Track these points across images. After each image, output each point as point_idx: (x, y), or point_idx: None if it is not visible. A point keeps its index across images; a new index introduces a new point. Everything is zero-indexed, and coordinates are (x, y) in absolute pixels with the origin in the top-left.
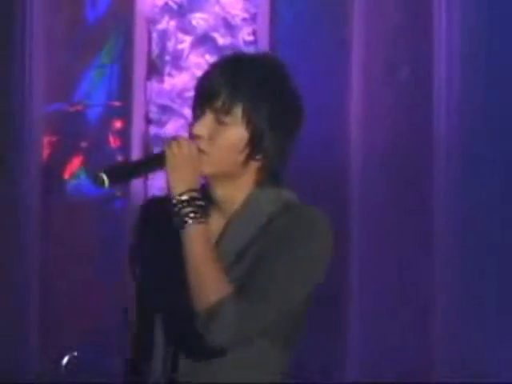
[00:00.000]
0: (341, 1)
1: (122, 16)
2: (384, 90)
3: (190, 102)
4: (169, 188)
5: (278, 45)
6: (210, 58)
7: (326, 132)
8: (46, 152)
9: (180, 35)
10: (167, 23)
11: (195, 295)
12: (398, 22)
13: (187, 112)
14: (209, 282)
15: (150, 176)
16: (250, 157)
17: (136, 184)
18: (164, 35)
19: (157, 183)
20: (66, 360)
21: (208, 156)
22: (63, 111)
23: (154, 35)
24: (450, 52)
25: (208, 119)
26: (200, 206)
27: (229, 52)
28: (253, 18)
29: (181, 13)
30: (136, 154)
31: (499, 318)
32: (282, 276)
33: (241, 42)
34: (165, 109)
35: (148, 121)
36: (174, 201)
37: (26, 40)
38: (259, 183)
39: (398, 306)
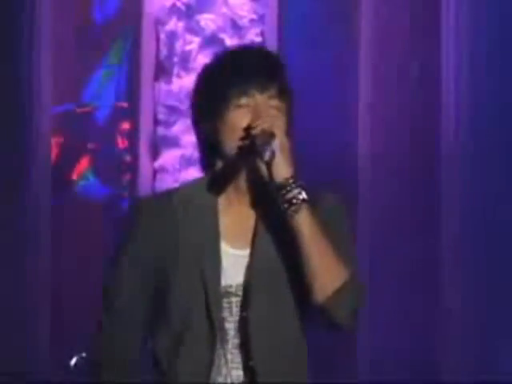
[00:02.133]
0: (348, 1)
1: (130, 17)
2: (393, 89)
3: None
4: (275, 168)
5: (285, 45)
6: None
7: (334, 130)
8: (54, 153)
9: (188, 36)
10: (175, 24)
11: (319, 281)
12: (406, 21)
13: None
14: (334, 267)
15: (158, 177)
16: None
17: (142, 185)
18: (172, 36)
19: (164, 184)
20: (74, 361)
21: None
22: (71, 112)
23: (162, 36)
24: (458, 50)
25: (264, 105)
26: (304, 187)
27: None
28: (261, 19)
29: (189, 14)
30: (144, 155)
31: (503, 318)
32: (355, 257)
33: (249, 43)
34: (173, 110)
35: (156, 122)
36: (283, 182)
37: (35, 41)
38: None
39: (405, 307)
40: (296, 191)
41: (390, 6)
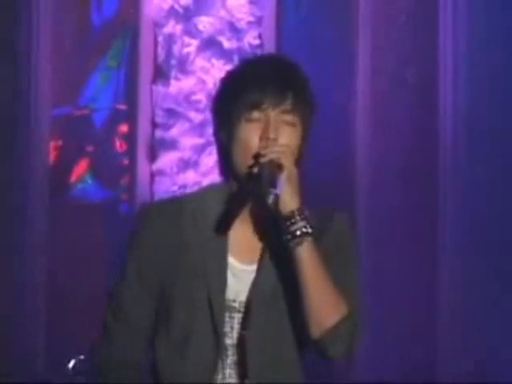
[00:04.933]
0: (346, 3)
1: (128, 20)
2: (390, 92)
3: (196, 106)
4: (282, 201)
5: (283, 48)
6: (216, 62)
7: (332, 132)
8: (52, 155)
9: (186, 39)
10: (173, 27)
11: (315, 316)
12: (404, 25)
13: (193, 115)
14: (332, 303)
15: (156, 179)
16: (299, 156)
17: (140, 188)
18: (170, 39)
19: (162, 187)
20: (72, 363)
21: None
22: (69, 115)
23: (160, 39)
24: (455, 53)
25: (276, 121)
26: (309, 220)
27: (235, 56)
28: (258, 22)
29: (187, 17)
30: (142, 158)
31: (502, 319)
32: (357, 288)
33: (247, 46)
34: (171, 112)
35: (154, 124)
36: (289, 214)
37: (33, 44)
38: None
39: (402, 308)
40: (301, 224)
41: (387, 8)
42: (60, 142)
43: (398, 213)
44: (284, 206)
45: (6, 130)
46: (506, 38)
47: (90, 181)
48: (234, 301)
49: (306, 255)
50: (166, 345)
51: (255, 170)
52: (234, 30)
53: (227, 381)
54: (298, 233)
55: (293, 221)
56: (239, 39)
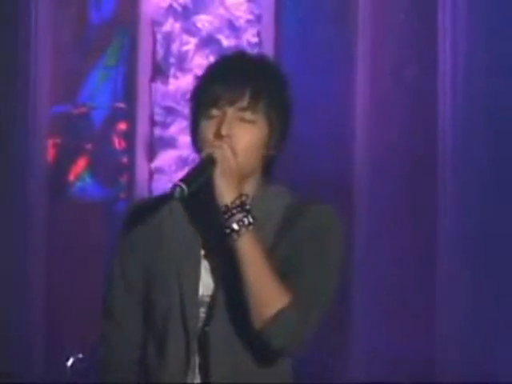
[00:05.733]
0: (345, 2)
1: (127, 18)
2: (389, 89)
3: None
4: (216, 194)
5: (282, 46)
6: None
7: (331, 132)
8: (50, 154)
9: (185, 37)
10: (172, 25)
11: (255, 307)
12: (403, 23)
13: None
14: (270, 293)
15: (154, 177)
16: (267, 153)
17: (139, 186)
18: (169, 37)
19: (160, 185)
20: (71, 362)
21: (236, 156)
22: (68, 113)
23: (159, 37)
24: (454, 52)
25: (231, 118)
26: (249, 211)
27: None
28: (257, 20)
29: (185, 15)
30: (141, 156)
31: (500, 318)
32: (324, 279)
33: (245, 44)
34: (169, 110)
35: (153, 122)
36: (224, 208)
37: (32, 42)
38: (265, 180)
39: (401, 308)
40: (238, 216)
41: (386, 7)
42: (59, 141)
43: (397, 212)
44: (219, 199)
45: (4, 128)
46: (505, 37)
47: (88, 179)
48: (207, 296)
49: (242, 247)
50: (150, 343)
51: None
52: (233, 28)
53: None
54: (235, 226)
55: (229, 214)
56: (238, 37)
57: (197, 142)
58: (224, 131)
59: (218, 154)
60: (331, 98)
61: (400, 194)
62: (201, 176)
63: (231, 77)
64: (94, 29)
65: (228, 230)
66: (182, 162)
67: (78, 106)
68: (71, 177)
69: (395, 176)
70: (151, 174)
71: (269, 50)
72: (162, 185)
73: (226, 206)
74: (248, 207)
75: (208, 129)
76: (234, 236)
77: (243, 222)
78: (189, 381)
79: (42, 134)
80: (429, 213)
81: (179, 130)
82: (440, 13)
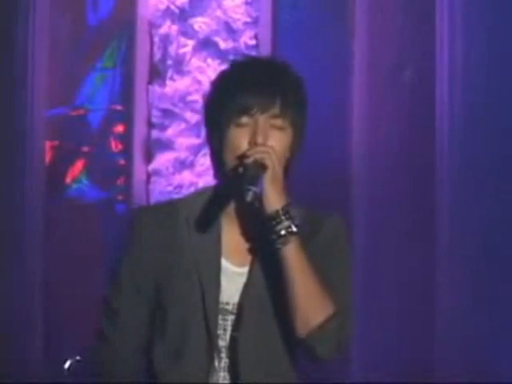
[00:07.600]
0: (343, 4)
1: (124, 20)
2: (387, 91)
3: (192, 106)
4: (266, 200)
5: (280, 48)
6: (212, 62)
7: (329, 134)
8: (48, 156)
9: (182, 39)
10: (169, 27)
11: (303, 314)
12: (401, 24)
13: (189, 116)
14: (319, 301)
15: (151, 180)
16: (289, 157)
17: (136, 188)
18: (166, 39)
19: (158, 187)
20: (68, 364)
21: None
22: (65, 115)
23: (156, 39)
24: (452, 53)
25: (264, 126)
26: (294, 218)
27: (232, 56)
28: (255, 22)
29: (183, 17)
30: (138, 158)
31: (500, 317)
32: (349, 288)
33: (243, 46)
34: (167, 113)
35: (150, 125)
36: (273, 214)
37: (29, 44)
38: (286, 184)
39: (399, 306)
40: (286, 224)
41: (384, 9)
42: (56, 143)
43: (396, 212)
44: (268, 205)
45: (1, 129)
46: (503, 37)
47: (85, 181)
48: (228, 303)
49: (291, 254)
50: (162, 346)
51: (240, 170)
52: (230, 31)
53: (221, 383)
54: (283, 232)
55: (278, 220)
56: (235, 40)
57: (225, 150)
58: (260, 139)
59: (268, 160)
60: (329, 99)
61: (397, 192)
62: (257, 182)
63: (262, 84)
64: (92, 31)
65: (274, 236)
66: (180, 164)
67: (75, 108)
68: (68, 179)
69: (393, 177)
70: (148, 176)
71: (266, 53)
72: (159, 187)
73: (277, 211)
74: (293, 215)
75: (241, 137)
76: (281, 243)
77: (291, 228)
78: (214, 381)
79: (39, 136)
80: (428, 212)
81: (176, 133)
82: (438, 11)
